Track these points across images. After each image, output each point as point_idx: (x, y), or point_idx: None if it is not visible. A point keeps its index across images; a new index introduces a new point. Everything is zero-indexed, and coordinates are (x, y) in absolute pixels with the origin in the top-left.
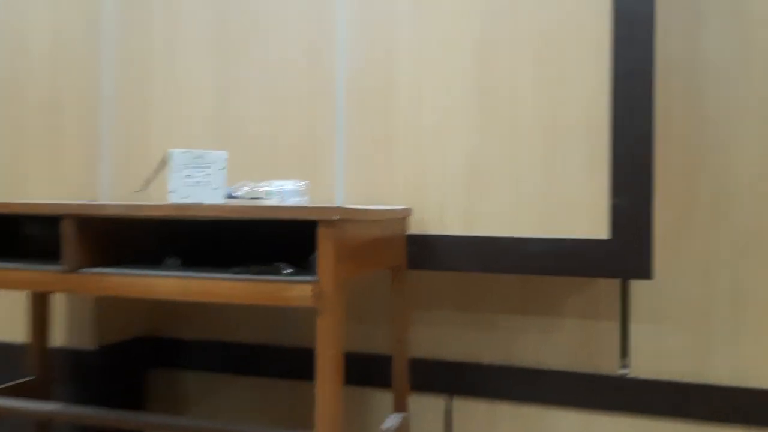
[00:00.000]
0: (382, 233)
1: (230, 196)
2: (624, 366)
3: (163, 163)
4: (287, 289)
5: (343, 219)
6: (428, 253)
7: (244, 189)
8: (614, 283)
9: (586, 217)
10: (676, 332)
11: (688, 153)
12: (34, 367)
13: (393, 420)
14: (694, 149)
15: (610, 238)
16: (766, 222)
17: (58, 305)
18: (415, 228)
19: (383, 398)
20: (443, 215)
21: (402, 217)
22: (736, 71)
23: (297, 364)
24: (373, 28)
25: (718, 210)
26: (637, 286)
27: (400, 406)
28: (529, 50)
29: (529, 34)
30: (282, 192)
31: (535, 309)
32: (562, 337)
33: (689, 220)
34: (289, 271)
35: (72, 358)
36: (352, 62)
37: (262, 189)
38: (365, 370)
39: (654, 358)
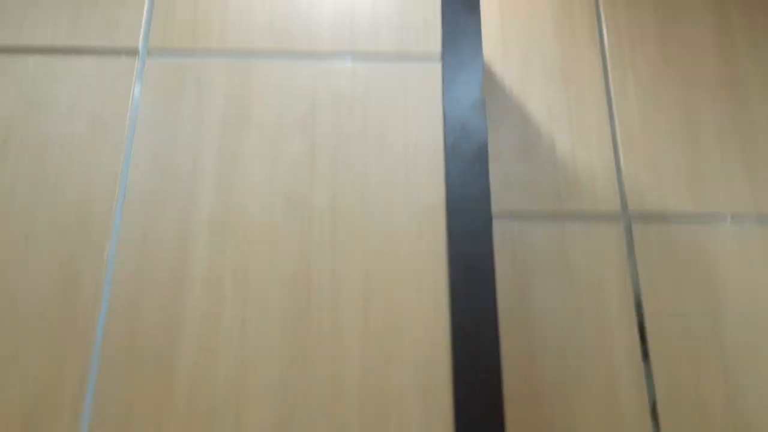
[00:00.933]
0: None
1: None
2: None
3: None
4: None
5: None
6: None
7: None
8: None
9: None
10: None
11: (531, 415)
12: None
13: None
14: (537, 411)
15: None
16: None
17: None
18: None
19: None
20: None
21: None
22: (568, 330)
23: None
24: (153, 243)
25: None
26: None
27: None
28: (355, 294)
29: (355, 270)
30: None
31: None
32: None
33: None
34: None
35: None
36: (121, 275)
37: None
38: None
39: None
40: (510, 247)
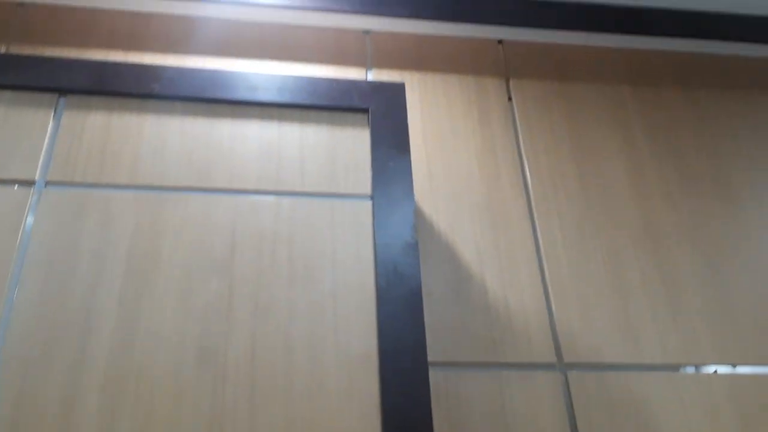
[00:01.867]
0: None
1: None
2: None
3: None
4: None
5: None
6: None
7: None
8: None
9: None
10: None
11: None
12: None
13: None
14: None
15: None
16: None
17: None
18: None
19: None
20: None
21: None
22: None
23: None
24: (31, 410)
25: None
26: None
27: None
28: None
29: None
30: None
31: None
32: None
33: None
34: None
35: None
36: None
37: None
38: None
39: None
40: (444, 397)
